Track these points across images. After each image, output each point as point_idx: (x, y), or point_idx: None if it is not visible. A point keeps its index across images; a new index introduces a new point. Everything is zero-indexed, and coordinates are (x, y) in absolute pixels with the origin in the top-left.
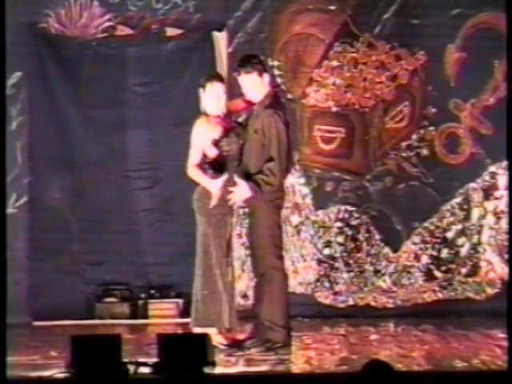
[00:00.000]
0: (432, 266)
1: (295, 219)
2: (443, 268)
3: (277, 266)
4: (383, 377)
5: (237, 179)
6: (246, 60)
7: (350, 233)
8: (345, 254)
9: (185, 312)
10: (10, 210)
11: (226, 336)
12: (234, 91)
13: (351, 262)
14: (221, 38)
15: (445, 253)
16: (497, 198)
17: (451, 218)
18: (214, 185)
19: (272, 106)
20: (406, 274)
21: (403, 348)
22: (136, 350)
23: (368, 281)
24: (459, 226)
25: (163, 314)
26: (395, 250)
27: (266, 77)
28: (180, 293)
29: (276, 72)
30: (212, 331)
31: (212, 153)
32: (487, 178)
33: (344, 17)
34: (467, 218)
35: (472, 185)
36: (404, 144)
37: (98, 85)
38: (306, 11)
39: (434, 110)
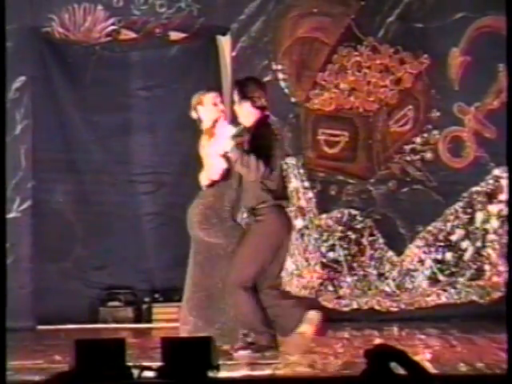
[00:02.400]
0: (436, 270)
1: (299, 223)
2: (447, 271)
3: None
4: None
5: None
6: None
7: (353, 236)
8: (349, 258)
9: None
10: (13, 214)
11: None
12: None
13: (355, 265)
14: (225, 42)
15: (449, 256)
16: (501, 202)
17: (455, 222)
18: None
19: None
20: (409, 278)
21: (407, 352)
22: (140, 354)
23: (372, 284)
24: (463, 230)
25: (167, 318)
26: (399, 253)
27: (246, 105)
28: None
29: (280, 76)
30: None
31: (220, 165)
32: (491, 181)
33: (348, 20)
34: (471, 221)
35: (476, 188)
36: (408, 148)
37: (102, 89)
38: (310, 15)
39: (437, 114)
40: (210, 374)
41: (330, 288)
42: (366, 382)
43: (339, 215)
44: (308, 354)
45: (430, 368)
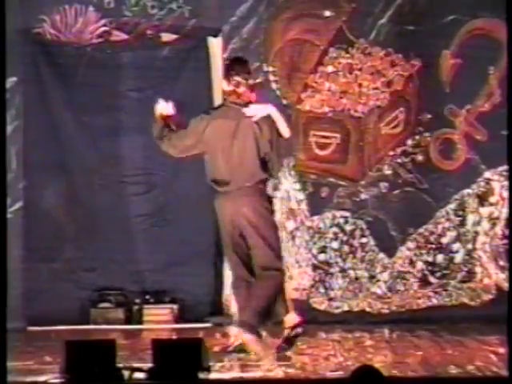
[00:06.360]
0: (427, 272)
1: (290, 225)
2: (438, 274)
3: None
4: (372, 383)
5: None
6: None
7: (345, 238)
8: (340, 260)
9: (180, 317)
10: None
11: None
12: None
13: (346, 267)
14: (216, 44)
15: (440, 259)
16: (492, 204)
17: (446, 224)
18: None
19: None
20: (400, 280)
21: (398, 354)
22: (131, 356)
23: (363, 286)
24: (454, 232)
25: (158, 320)
26: (390, 255)
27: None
28: (175, 298)
29: (271, 77)
30: None
31: None
32: (482, 183)
33: (339, 23)
34: (462, 223)
35: (467, 191)
36: (399, 150)
37: (93, 90)
38: (301, 17)
39: (429, 116)
40: (201, 375)
41: (321, 290)
42: None
43: (330, 217)
44: (299, 355)
45: (421, 370)
